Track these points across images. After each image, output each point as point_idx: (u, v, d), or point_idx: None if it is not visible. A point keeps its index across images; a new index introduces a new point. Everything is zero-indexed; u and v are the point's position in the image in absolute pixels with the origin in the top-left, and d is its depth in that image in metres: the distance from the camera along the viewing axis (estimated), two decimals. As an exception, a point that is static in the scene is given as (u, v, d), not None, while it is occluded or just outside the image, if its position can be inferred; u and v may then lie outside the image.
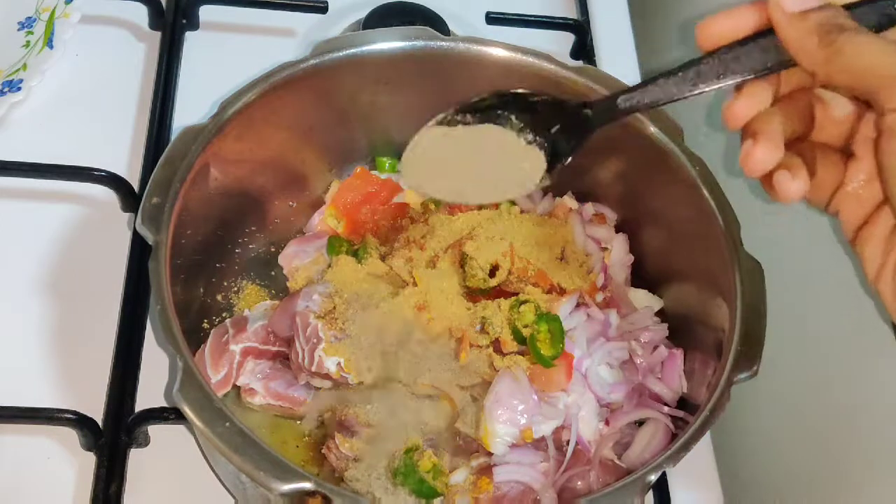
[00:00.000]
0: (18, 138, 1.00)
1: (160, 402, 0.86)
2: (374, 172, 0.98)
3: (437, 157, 0.63)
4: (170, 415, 0.83)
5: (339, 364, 0.79)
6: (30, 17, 1.07)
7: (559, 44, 1.19)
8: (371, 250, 0.88)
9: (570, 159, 0.62)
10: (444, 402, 0.82)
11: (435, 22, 1.10)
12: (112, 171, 0.95)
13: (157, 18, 1.11)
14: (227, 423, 0.67)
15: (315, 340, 0.80)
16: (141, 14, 1.11)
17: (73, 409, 0.82)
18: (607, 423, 0.85)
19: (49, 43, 1.03)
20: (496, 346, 0.82)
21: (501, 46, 0.91)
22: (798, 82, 0.60)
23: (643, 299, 0.94)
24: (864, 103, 0.58)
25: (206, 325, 0.88)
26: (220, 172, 0.85)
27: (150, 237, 0.75)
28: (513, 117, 0.62)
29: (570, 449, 0.81)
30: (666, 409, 0.85)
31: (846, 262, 0.91)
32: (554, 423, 0.81)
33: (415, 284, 0.83)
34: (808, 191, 0.58)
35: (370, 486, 0.76)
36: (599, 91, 0.89)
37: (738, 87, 0.58)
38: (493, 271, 0.84)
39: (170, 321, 0.72)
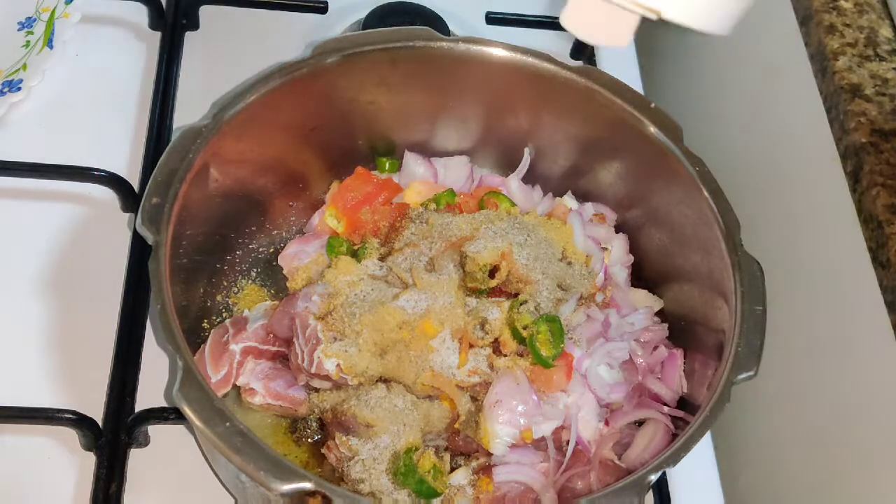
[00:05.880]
0: (18, 138, 1.00)
1: (160, 402, 0.86)
2: (374, 172, 0.98)
3: None
4: (170, 415, 0.83)
5: (338, 365, 0.79)
6: (30, 17, 1.07)
7: (559, 44, 1.18)
8: (371, 251, 0.88)
9: None
10: (444, 402, 0.82)
11: (435, 22, 1.10)
12: (112, 171, 0.95)
13: (157, 18, 1.11)
14: (227, 423, 0.67)
15: (314, 342, 0.80)
16: (141, 14, 1.11)
17: (73, 409, 0.82)
18: (607, 423, 0.85)
19: (49, 43, 1.03)
20: (496, 346, 0.82)
21: (501, 46, 0.91)
22: None
23: (643, 299, 0.94)
24: None
25: (206, 325, 0.88)
26: (220, 172, 0.85)
27: (150, 237, 0.75)
28: None
29: (570, 449, 0.81)
30: (666, 409, 0.85)
31: (846, 262, 0.91)
32: (554, 423, 0.81)
33: (415, 285, 0.83)
34: None
35: (370, 485, 0.76)
36: (600, 91, 0.89)
37: None
38: (493, 271, 0.84)
39: (170, 321, 0.72)
